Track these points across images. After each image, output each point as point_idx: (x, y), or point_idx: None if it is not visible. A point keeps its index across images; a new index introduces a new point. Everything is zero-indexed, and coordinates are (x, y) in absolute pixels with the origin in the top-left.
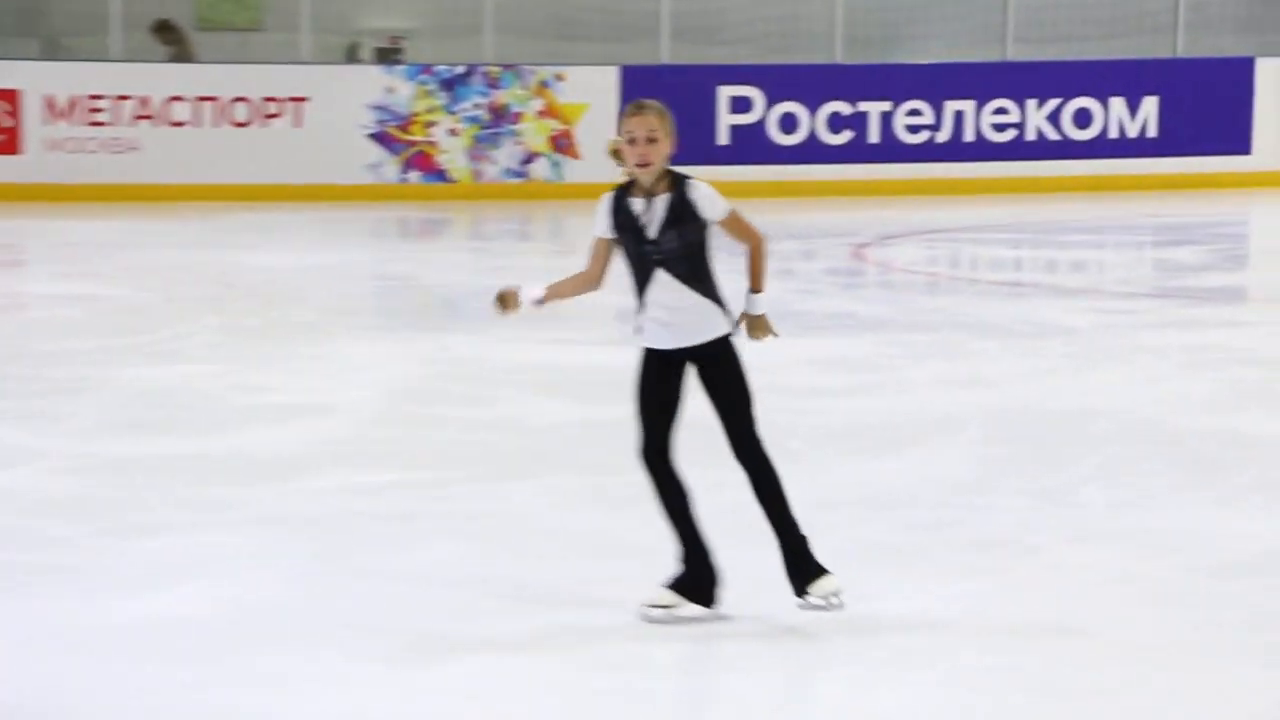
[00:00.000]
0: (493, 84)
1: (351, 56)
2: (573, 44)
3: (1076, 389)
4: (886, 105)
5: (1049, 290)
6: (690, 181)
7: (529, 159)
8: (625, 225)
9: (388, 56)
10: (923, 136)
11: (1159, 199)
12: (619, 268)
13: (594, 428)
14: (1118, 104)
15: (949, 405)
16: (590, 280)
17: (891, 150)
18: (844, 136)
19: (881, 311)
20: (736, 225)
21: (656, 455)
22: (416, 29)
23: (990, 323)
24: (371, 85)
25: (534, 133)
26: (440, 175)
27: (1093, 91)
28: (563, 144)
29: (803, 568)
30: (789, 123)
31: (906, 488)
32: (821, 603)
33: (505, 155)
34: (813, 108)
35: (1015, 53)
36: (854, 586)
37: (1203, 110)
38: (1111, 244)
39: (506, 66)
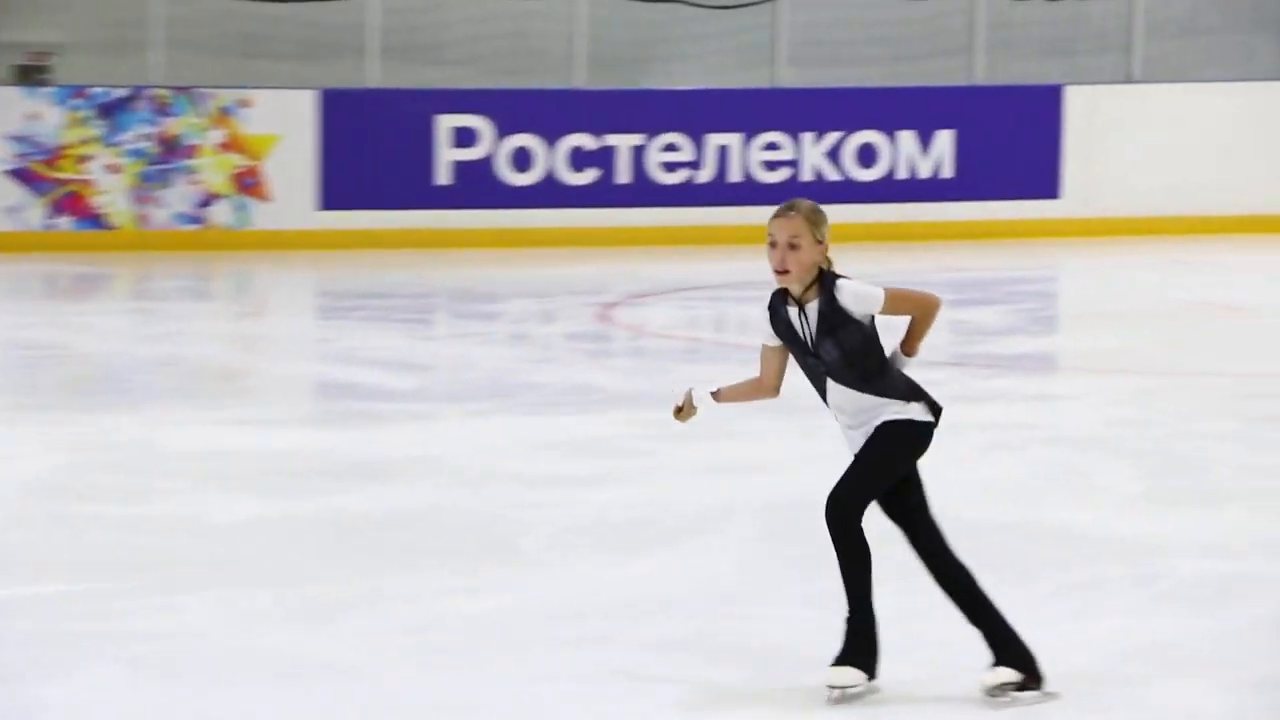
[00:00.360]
0: (162, 110)
1: None
2: (260, 63)
3: None
4: (638, 138)
5: None
6: (839, 283)
7: (207, 201)
8: (786, 336)
9: (30, 76)
10: (681, 175)
11: (955, 250)
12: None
13: (283, 526)
14: (907, 138)
15: (713, 496)
16: (764, 389)
17: (644, 192)
18: (588, 175)
19: (633, 384)
20: (900, 305)
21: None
22: (68, 43)
23: None
24: (10, 111)
25: (213, 170)
26: (97, 221)
27: (879, 124)
28: (249, 183)
29: (843, 648)
30: (522, 159)
31: (662, 594)
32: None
33: (178, 197)
34: (550, 141)
35: (788, 77)
36: (596, 711)
37: (1004, 146)
38: None
39: (179, 89)
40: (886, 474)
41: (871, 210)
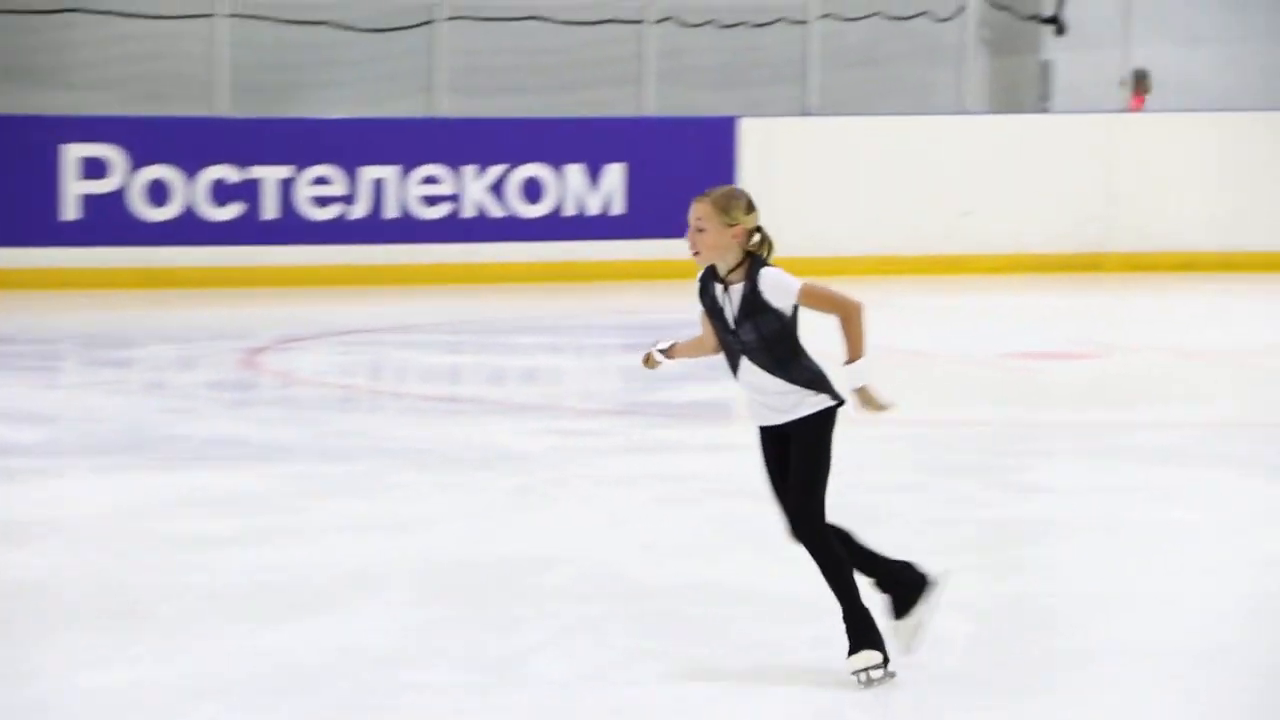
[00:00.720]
0: None
1: None
2: None
3: (527, 532)
4: (285, 170)
5: (494, 407)
6: (763, 271)
7: None
8: (710, 310)
9: None
10: (333, 211)
11: (627, 291)
12: None
13: None
14: (575, 172)
15: (367, 556)
16: (705, 348)
17: (293, 228)
18: (231, 210)
19: (281, 435)
20: (816, 300)
21: (792, 526)
22: None
23: (420, 449)
24: None
25: None
26: None
27: (545, 156)
28: None
29: (852, 639)
30: (158, 192)
31: (312, 663)
32: (854, 679)
33: None
34: (190, 172)
35: (448, 106)
36: None
37: (677, 181)
38: (571, 348)
39: None
40: (825, 468)
41: (537, 249)
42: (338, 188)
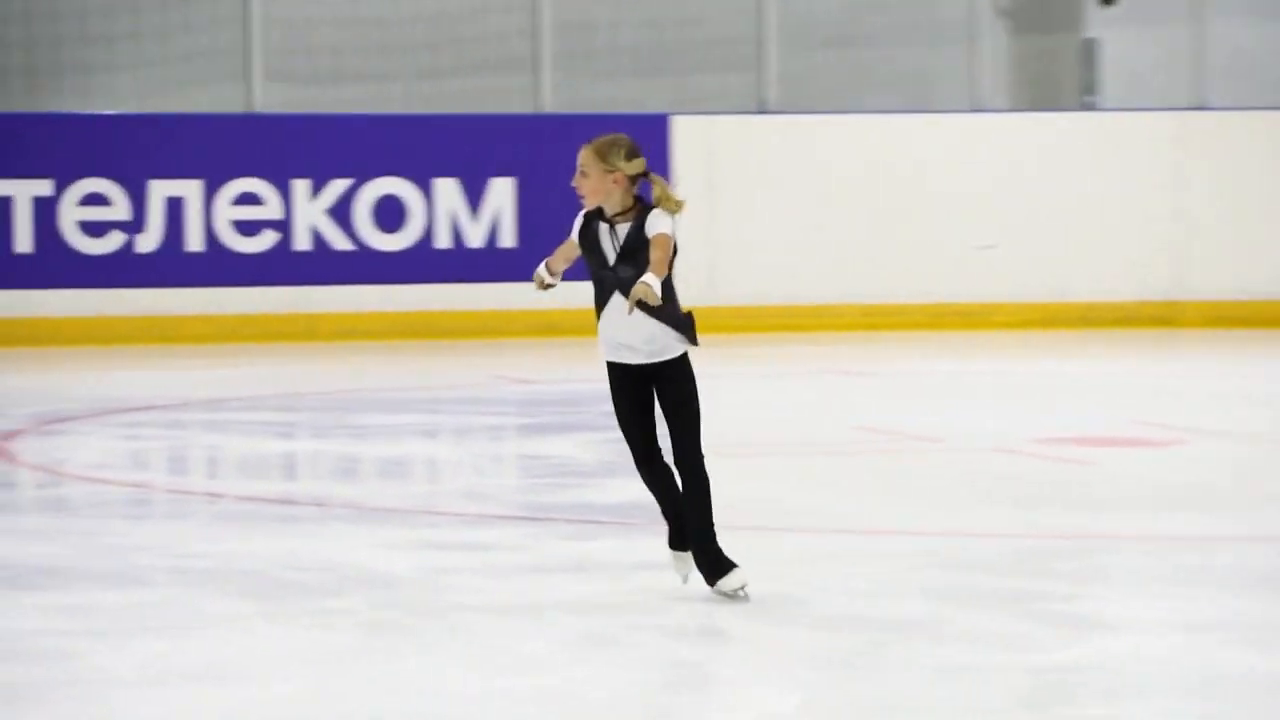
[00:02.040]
0: None
1: None
2: None
3: (387, 685)
4: (42, 186)
5: (342, 512)
6: (651, 212)
7: None
8: (589, 247)
9: None
10: (111, 242)
11: (520, 351)
12: None
13: None
14: (448, 189)
15: (167, 719)
16: (569, 256)
17: (54, 265)
18: None
19: (46, 552)
20: (658, 247)
21: (645, 461)
22: None
23: (241, 569)
24: None
25: None
26: None
27: (406, 168)
28: None
29: (715, 564)
30: None
31: None
32: (729, 594)
33: None
34: None
35: (269, 98)
36: None
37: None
38: (447, 430)
39: None
40: (697, 404)
41: (397, 294)
42: (117, 210)
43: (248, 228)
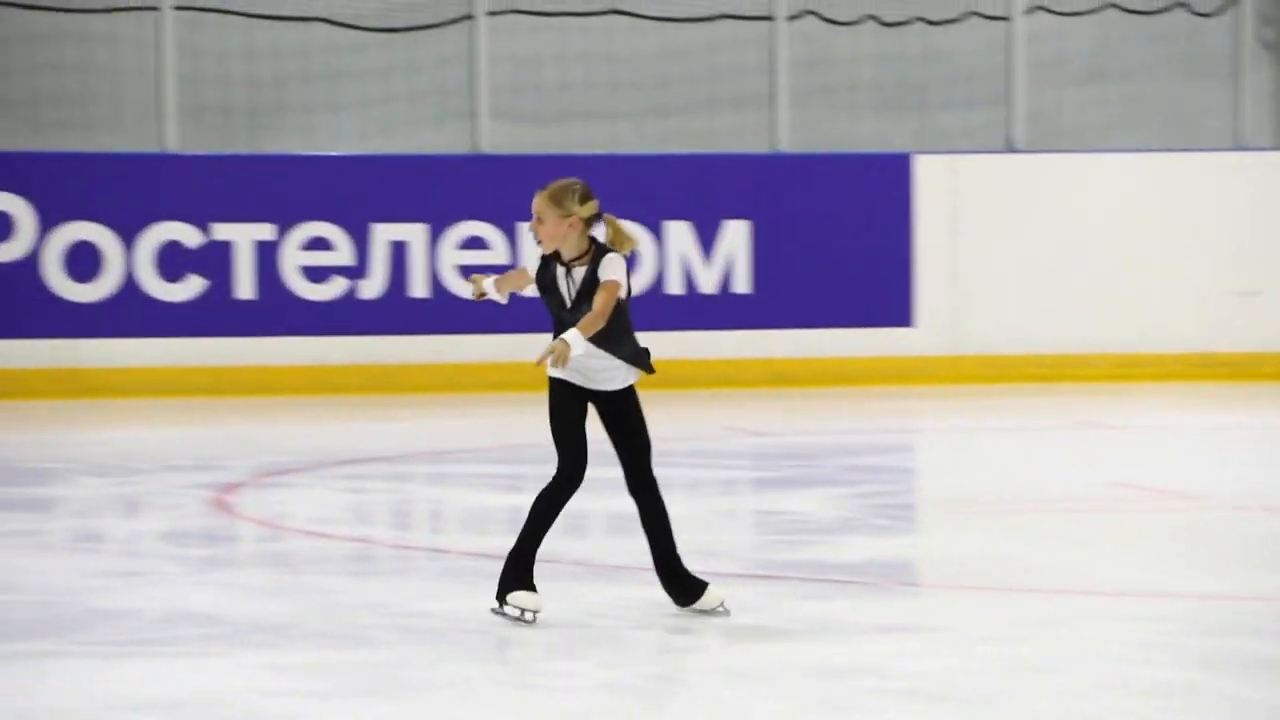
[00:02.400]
0: None
1: None
2: None
3: None
4: (264, 230)
5: (544, 568)
6: (607, 256)
7: None
8: (547, 288)
9: None
10: (334, 288)
11: (756, 402)
12: None
13: None
14: (679, 233)
15: None
16: (520, 283)
17: (275, 311)
18: (186, 287)
19: (269, 610)
20: (603, 291)
21: (581, 474)
22: None
23: (470, 628)
24: None
25: None
26: None
27: (636, 209)
28: None
29: (689, 586)
30: (80, 260)
31: None
32: (709, 612)
33: None
34: (125, 233)
35: (495, 138)
36: None
37: (823, 246)
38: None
39: None
40: (647, 432)
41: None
42: (340, 254)
43: (472, 273)
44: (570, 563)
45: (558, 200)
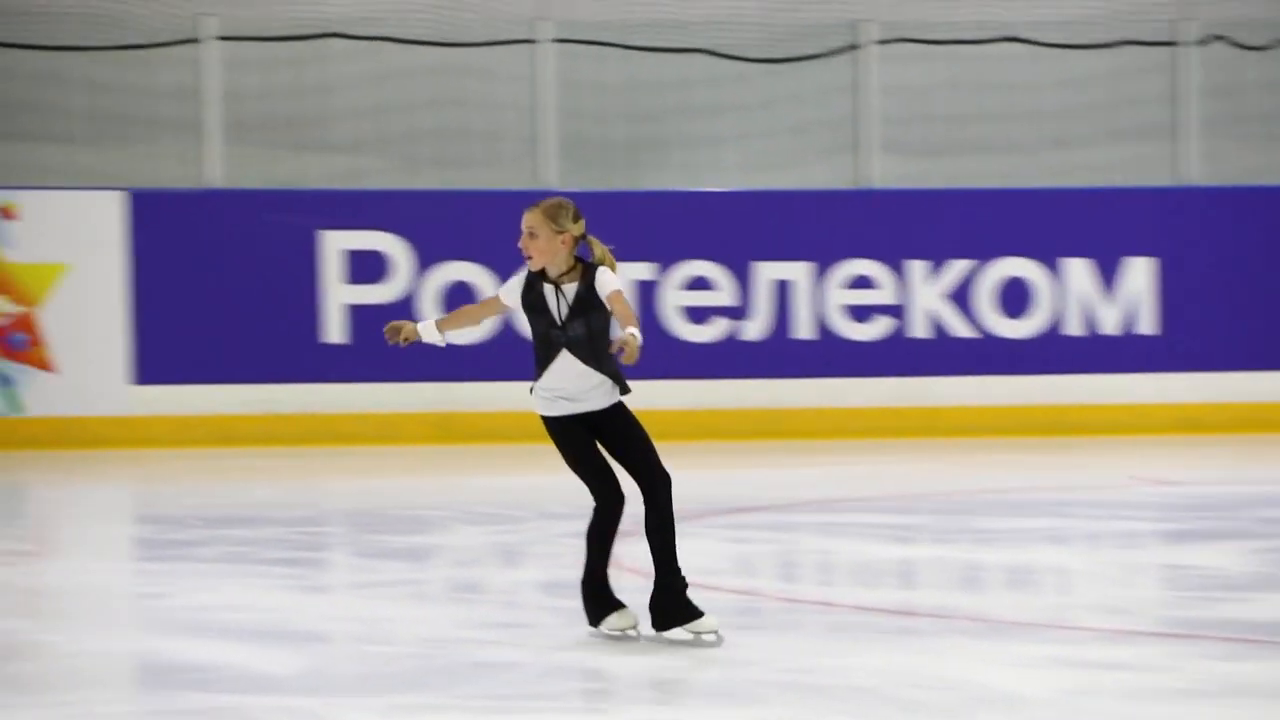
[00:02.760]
0: None
1: None
2: None
3: None
4: (642, 269)
5: (963, 624)
6: (598, 271)
7: None
8: (534, 307)
9: None
10: (712, 330)
11: (1128, 450)
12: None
13: None
14: (1078, 270)
15: None
16: (474, 318)
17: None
18: None
19: None
20: (618, 302)
21: (619, 499)
22: None
23: (854, 684)
24: None
25: None
26: None
27: (1031, 247)
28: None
29: (687, 608)
30: (458, 301)
31: None
32: (699, 634)
33: None
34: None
35: (885, 172)
36: None
37: (1236, 286)
38: (1077, 536)
39: None
40: (649, 439)
41: (1020, 385)
42: (722, 294)
43: (861, 313)
44: (964, 617)
45: (552, 216)
